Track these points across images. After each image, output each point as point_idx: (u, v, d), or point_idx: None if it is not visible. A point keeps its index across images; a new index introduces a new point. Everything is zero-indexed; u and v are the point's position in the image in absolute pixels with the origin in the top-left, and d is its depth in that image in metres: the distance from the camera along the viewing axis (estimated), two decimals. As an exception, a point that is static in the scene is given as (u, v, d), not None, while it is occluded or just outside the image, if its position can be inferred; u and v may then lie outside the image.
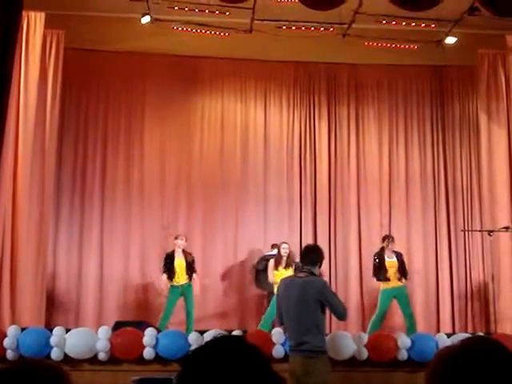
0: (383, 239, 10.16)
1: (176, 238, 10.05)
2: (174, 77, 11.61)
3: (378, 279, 9.75)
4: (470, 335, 7.93)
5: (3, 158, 8.94)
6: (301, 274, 5.66)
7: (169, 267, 9.76)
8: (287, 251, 9.85)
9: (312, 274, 5.58)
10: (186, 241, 10.10)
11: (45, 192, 9.75)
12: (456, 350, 1.39)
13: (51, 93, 9.92)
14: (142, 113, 11.64)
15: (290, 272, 9.54)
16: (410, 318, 9.58)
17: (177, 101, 11.70)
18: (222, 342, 1.46)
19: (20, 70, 9.49)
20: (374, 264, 9.88)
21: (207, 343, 1.49)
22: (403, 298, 9.67)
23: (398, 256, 9.95)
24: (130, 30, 10.51)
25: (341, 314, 5.59)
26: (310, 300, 5.47)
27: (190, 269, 9.82)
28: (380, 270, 9.73)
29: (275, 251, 10.18)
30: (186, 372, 1.43)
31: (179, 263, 9.79)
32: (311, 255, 5.72)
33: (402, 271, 9.81)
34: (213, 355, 1.42)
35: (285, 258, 9.79)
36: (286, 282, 5.88)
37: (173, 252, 9.94)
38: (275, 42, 10.44)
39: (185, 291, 9.71)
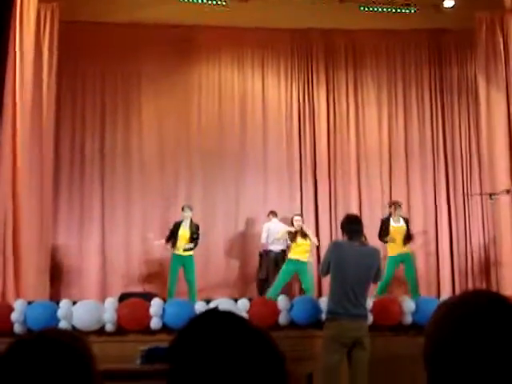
0: (390, 205, 10.20)
1: (183, 209, 10.10)
2: (170, 47, 11.54)
3: (382, 241, 9.79)
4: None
5: (2, 134, 8.91)
6: (356, 243, 5.86)
7: (173, 235, 9.91)
8: (300, 223, 9.95)
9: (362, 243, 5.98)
10: (192, 210, 10.15)
11: (44, 167, 9.74)
12: (455, 303, 1.39)
13: (47, 67, 9.83)
14: (139, 84, 11.59)
15: (307, 241, 9.68)
16: (413, 282, 9.66)
17: (174, 71, 11.64)
18: (215, 315, 1.45)
19: (15, 45, 9.36)
20: (380, 227, 9.93)
21: (201, 314, 1.46)
22: (409, 264, 9.74)
23: (406, 222, 9.98)
24: (125, 0, 10.40)
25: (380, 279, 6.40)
26: (368, 268, 5.82)
27: (192, 237, 9.94)
28: (384, 233, 9.78)
29: (264, 238, 10.42)
30: (178, 341, 1.41)
31: (183, 233, 9.90)
32: (358, 226, 5.98)
33: (408, 236, 9.86)
34: (204, 327, 1.40)
35: (299, 229, 9.90)
36: (343, 245, 5.97)
37: (180, 222, 10.03)
38: (272, 10, 10.40)
39: (185, 261, 9.81)
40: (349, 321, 5.69)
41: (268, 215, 10.70)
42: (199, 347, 1.35)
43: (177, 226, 10.01)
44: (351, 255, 5.78)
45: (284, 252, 10.39)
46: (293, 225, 9.97)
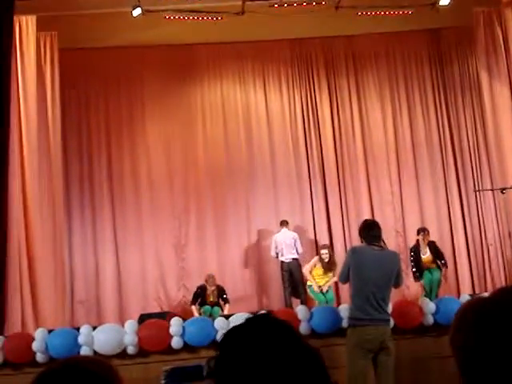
0: (418, 232, 10.14)
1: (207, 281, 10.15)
2: (170, 66, 11.61)
3: (417, 277, 9.83)
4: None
5: (10, 164, 8.94)
6: (375, 247, 5.82)
7: (199, 300, 10.05)
8: (327, 256, 9.94)
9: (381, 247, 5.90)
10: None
11: (55, 194, 9.79)
12: (482, 301, 1.35)
13: (51, 95, 9.91)
14: (143, 105, 11.64)
15: (328, 277, 9.74)
16: (435, 289, 9.66)
17: (176, 90, 11.69)
18: (254, 322, 1.46)
19: (17, 75, 9.46)
20: (412, 261, 9.96)
21: (240, 324, 1.48)
22: (435, 281, 9.73)
23: (431, 248, 9.94)
24: (123, 23, 10.48)
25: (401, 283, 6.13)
26: (389, 272, 5.77)
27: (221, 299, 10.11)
28: (418, 267, 9.82)
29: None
30: (222, 354, 1.42)
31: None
32: (377, 230, 5.95)
33: (439, 259, 9.88)
34: (248, 335, 1.41)
35: (326, 262, 9.90)
36: (362, 250, 5.92)
37: (204, 286, 10.13)
38: (268, 22, 10.40)
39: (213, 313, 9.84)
40: (372, 327, 5.65)
41: (280, 225, 10.69)
42: (242, 356, 1.37)
43: (202, 290, 10.11)
44: (371, 260, 5.73)
45: (296, 260, 10.40)
46: (321, 259, 9.95)
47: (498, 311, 1.29)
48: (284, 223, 10.68)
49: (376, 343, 5.64)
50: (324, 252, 9.97)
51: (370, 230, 5.90)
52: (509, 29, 10.23)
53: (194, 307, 9.96)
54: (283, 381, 1.34)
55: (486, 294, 7.85)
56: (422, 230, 10.10)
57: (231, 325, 7.30)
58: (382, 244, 5.92)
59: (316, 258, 10.09)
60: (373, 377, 5.75)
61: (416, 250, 9.96)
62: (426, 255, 9.87)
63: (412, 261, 9.98)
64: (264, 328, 1.43)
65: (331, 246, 10.81)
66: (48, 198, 9.60)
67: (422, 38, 12.01)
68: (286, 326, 1.46)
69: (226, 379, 1.38)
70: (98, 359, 1.72)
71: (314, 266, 9.97)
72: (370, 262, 5.72)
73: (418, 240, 10.03)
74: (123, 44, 11.16)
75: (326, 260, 9.86)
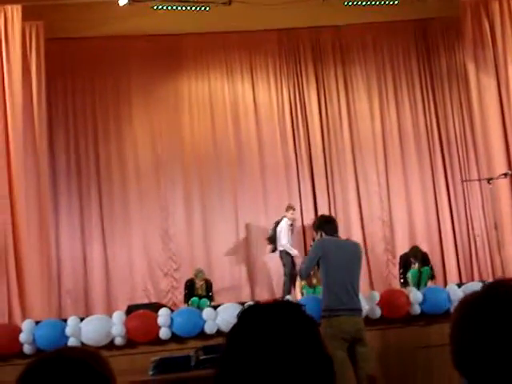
0: (411, 251, 10.10)
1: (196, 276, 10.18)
2: (157, 57, 11.56)
3: (403, 284, 9.78)
4: (479, 283, 7.99)
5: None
6: (339, 238, 6.13)
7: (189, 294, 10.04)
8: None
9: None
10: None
11: (41, 184, 9.71)
12: (480, 296, 1.37)
13: (36, 86, 9.80)
14: (129, 96, 11.58)
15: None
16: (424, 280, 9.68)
17: (163, 80, 11.65)
18: (279, 307, 1.44)
19: (2, 64, 9.38)
20: (400, 267, 10.03)
21: (264, 305, 1.47)
22: (424, 276, 9.73)
23: (422, 260, 9.89)
24: (109, 13, 10.36)
25: None
26: (357, 260, 6.02)
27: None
28: (405, 273, 9.82)
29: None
30: (240, 326, 1.40)
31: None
32: (335, 223, 6.24)
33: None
34: (268, 317, 1.40)
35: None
36: (331, 241, 6.03)
37: (193, 280, 10.17)
38: (255, 12, 10.33)
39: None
40: (347, 316, 5.75)
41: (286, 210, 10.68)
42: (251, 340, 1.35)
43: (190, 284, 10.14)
44: (341, 248, 5.96)
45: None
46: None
47: (493, 307, 1.31)
48: (290, 208, 10.65)
49: (352, 332, 5.74)
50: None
51: (330, 224, 6.18)
52: (496, 20, 10.25)
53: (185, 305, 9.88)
54: (290, 378, 1.32)
55: (472, 285, 7.90)
56: (416, 252, 10.00)
57: (219, 315, 7.30)
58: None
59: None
60: (351, 367, 5.77)
61: (407, 261, 9.93)
62: (416, 266, 9.85)
63: (400, 267, 10.01)
64: (285, 316, 1.40)
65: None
66: (35, 188, 9.52)
67: (409, 28, 12.02)
68: (310, 321, 1.43)
69: (232, 369, 1.36)
70: (88, 350, 1.71)
71: None
72: (340, 251, 5.91)
73: (410, 256, 9.95)
74: (110, 34, 11.07)
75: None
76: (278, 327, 1.36)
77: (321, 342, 1.41)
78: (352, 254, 5.98)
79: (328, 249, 5.93)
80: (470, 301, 1.38)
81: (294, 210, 10.63)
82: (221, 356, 1.38)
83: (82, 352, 1.67)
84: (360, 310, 5.99)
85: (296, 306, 1.44)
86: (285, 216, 10.49)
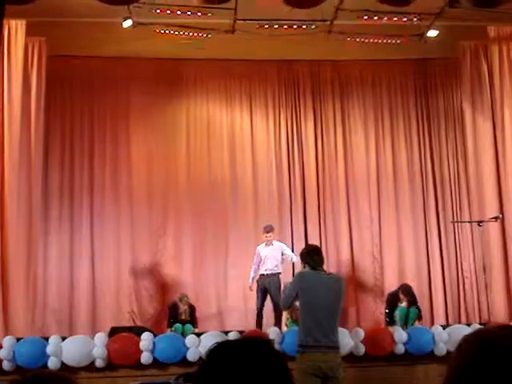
0: (400, 290, 10.01)
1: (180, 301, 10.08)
2: (158, 80, 11.61)
3: (388, 322, 9.69)
4: (465, 326, 7.97)
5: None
6: (322, 272, 5.87)
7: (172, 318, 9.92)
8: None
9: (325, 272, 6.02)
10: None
11: (32, 202, 9.68)
12: (479, 338, 1.37)
13: (35, 101, 9.83)
14: (128, 118, 11.59)
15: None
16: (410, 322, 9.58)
17: (162, 104, 11.68)
18: (248, 344, 1.45)
19: (3, 79, 9.41)
20: (387, 306, 9.95)
21: (232, 342, 1.48)
22: (412, 316, 9.65)
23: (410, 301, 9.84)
24: (113, 34, 10.42)
25: None
26: (338, 297, 5.82)
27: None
28: (391, 312, 9.74)
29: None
30: (208, 365, 1.41)
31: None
32: (321, 256, 6.04)
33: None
34: (237, 355, 1.40)
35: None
36: (310, 275, 5.86)
37: (176, 304, 10.07)
38: (258, 42, 10.42)
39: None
40: (320, 354, 5.60)
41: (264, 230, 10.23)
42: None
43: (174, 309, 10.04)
44: (320, 284, 5.75)
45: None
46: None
47: (500, 346, 1.31)
48: (269, 228, 10.13)
49: (323, 369, 5.58)
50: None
51: (315, 255, 5.94)
52: (494, 63, 10.35)
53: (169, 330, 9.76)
54: None
55: (457, 327, 7.87)
56: (407, 295, 9.90)
57: (202, 343, 7.24)
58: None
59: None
60: None
61: (393, 300, 9.88)
62: (403, 304, 9.80)
63: (387, 306, 9.93)
64: (253, 354, 1.42)
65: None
66: (25, 204, 9.49)
67: (408, 67, 12.13)
68: (277, 357, 1.44)
69: None
70: (63, 375, 1.70)
71: None
72: (318, 287, 5.72)
73: (399, 296, 9.90)
74: (112, 55, 11.14)
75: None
76: (245, 365, 1.37)
77: (289, 378, 1.42)
78: (332, 291, 5.78)
79: (306, 284, 5.79)
80: (470, 340, 1.38)
81: (267, 232, 10.10)
82: None
83: (55, 378, 1.66)
84: (336, 347, 5.76)
85: (263, 343, 1.45)
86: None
